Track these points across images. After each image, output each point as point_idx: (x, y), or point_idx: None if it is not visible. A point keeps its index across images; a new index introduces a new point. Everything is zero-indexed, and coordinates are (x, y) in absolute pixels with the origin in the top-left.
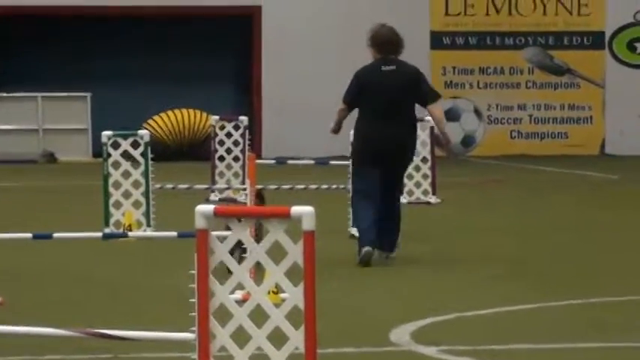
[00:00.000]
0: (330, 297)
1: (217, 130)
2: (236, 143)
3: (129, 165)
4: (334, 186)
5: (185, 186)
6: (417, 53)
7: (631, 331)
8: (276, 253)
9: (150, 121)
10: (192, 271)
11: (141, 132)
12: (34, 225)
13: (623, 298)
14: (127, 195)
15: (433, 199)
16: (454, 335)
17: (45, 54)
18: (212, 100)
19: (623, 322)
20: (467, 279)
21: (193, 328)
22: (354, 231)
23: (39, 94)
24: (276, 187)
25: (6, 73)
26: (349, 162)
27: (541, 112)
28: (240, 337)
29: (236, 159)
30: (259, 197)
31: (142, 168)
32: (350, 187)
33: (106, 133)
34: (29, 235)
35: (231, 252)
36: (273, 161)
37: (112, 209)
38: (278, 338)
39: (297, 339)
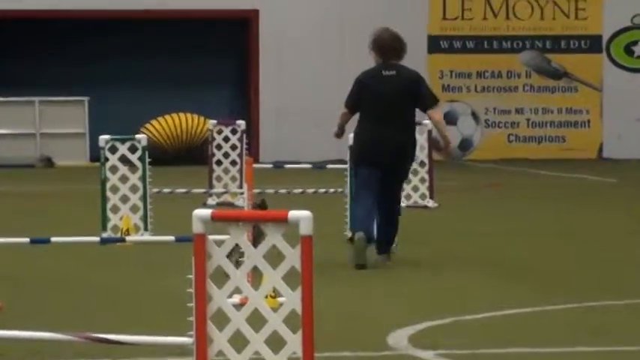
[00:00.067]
0: (328, 301)
1: (215, 135)
2: (233, 147)
3: (126, 169)
4: (332, 190)
5: (183, 190)
6: (414, 57)
7: (629, 335)
8: (274, 257)
9: (147, 126)
10: (190, 276)
11: (138, 136)
12: (31, 230)
13: (621, 302)
14: (124, 199)
15: (431, 203)
16: (452, 339)
17: (42, 58)
18: (209, 105)
19: (621, 326)
20: (464, 283)
21: (191, 333)
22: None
23: (36, 99)
24: (273, 191)
25: (3, 77)
26: (347, 166)
27: (538, 115)
28: (238, 341)
29: (233, 163)
30: (263, 208)
31: (140, 172)
32: (347, 191)
33: (104, 137)
34: (27, 239)
35: (229, 255)
36: (270, 165)
37: (109, 214)
38: (276, 342)
39: (294, 343)
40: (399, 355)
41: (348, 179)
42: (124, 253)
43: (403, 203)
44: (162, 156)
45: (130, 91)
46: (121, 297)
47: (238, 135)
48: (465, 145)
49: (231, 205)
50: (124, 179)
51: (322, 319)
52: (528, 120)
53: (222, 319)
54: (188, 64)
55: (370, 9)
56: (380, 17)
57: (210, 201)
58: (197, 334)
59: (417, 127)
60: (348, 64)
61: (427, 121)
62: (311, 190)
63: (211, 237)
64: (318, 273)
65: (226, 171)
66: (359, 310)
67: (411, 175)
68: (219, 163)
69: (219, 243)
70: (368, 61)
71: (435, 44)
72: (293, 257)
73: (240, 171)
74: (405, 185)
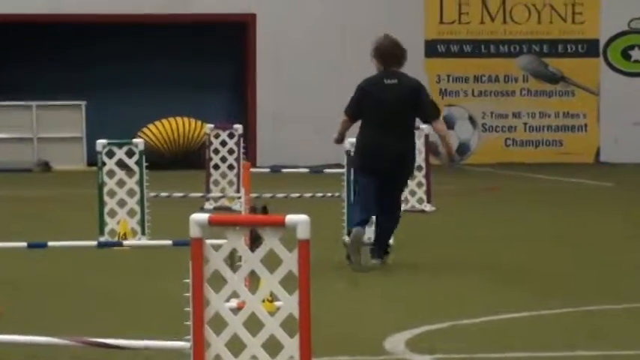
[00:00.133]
0: (325, 305)
1: (212, 139)
2: (231, 151)
3: (123, 173)
4: (329, 194)
5: (180, 194)
6: (411, 61)
7: (627, 339)
8: (271, 261)
9: (145, 130)
10: (187, 280)
11: (136, 140)
12: (29, 234)
13: (619, 306)
14: (121, 203)
15: (428, 207)
16: (449, 343)
17: (39, 62)
18: (207, 109)
19: (619, 330)
20: (462, 287)
21: (188, 337)
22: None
23: (33, 103)
24: (270, 195)
25: (0, 81)
26: (344, 170)
27: (536, 120)
28: (235, 345)
29: (231, 167)
30: (264, 212)
31: (137, 176)
32: (344, 195)
33: (101, 141)
34: (24, 244)
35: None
36: (267, 170)
37: (106, 218)
38: (273, 346)
39: (291, 347)
40: None
41: (345, 184)
42: (121, 258)
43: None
44: (159, 160)
45: (127, 95)
46: (118, 301)
47: (235, 139)
48: (463, 149)
49: (228, 209)
50: (121, 183)
51: (319, 323)
52: (525, 124)
53: (219, 324)
54: (185, 69)
55: (367, 13)
56: (376, 21)
57: (208, 205)
58: (194, 338)
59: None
60: (344, 68)
61: (424, 126)
62: (308, 195)
63: (209, 241)
64: (315, 277)
65: (224, 175)
66: (356, 315)
67: (408, 179)
68: (216, 167)
69: (217, 247)
70: (365, 65)
71: (432, 48)
72: (290, 261)
73: (238, 175)
74: None
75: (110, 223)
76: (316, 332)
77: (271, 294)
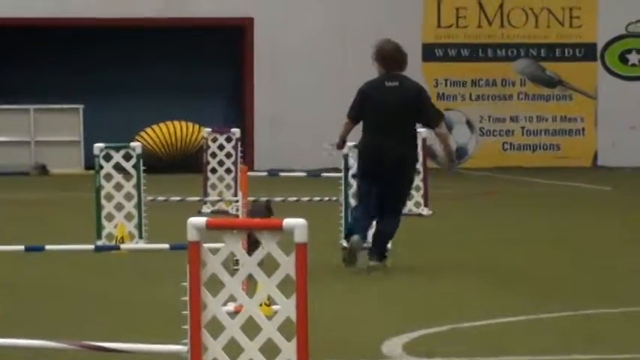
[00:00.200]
0: (323, 309)
1: (209, 143)
2: (228, 155)
3: (121, 177)
4: (326, 198)
5: (177, 198)
6: (409, 65)
7: (624, 343)
8: (269, 265)
9: (142, 134)
10: (185, 283)
11: (133, 144)
12: (26, 237)
13: (616, 310)
14: (119, 207)
15: (425, 211)
16: (447, 347)
17: (37, 66)
18: (204, 113)
19: (616, 333)
20: (460, 290)
21: (186, 341)
22: (346, 243)
23: (31, 106)
24: (268, 199)
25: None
26: (341, 174)
27: (533, 124)
28: (233, 349)
29: (228, 171)
30: (268, 210)
31: (134, 180)
32: (342, 199)
33: (98, 145)
34: (21, 247)
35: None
36: (265, 173)
37: (104, 221)
38: (270, 350)
39: (289, 351)
40: None
41: (343, 188)
42: (118, 261)
43: None
44: (156, 164)
45: (125, 99)
46: (115, 305)
47: (233, 143)
48: (460, 153)
49: (225, 213)
50: (118, 187)
51: (317, 327)
52: (523, 128)
53: (216, 327)
54: (183, 72)
55: (364, 17)
56: (374, 26)
57: (205, 209)
58: (192, 342)
59: None
60: (342, 72)
61: (421, 130)
62: (306, 199)
63: (206, 245)
64: (312, 281)
65: (221, 179)
66: (354, 318)
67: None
68: (213, 171)
69: (214, 251)
70: (362, 69)
71: (429, 52)
72: (288, 265)
73: (235, 179)
74: None
75: (107, 227)
76: (313, 336)
77: (269, 298)
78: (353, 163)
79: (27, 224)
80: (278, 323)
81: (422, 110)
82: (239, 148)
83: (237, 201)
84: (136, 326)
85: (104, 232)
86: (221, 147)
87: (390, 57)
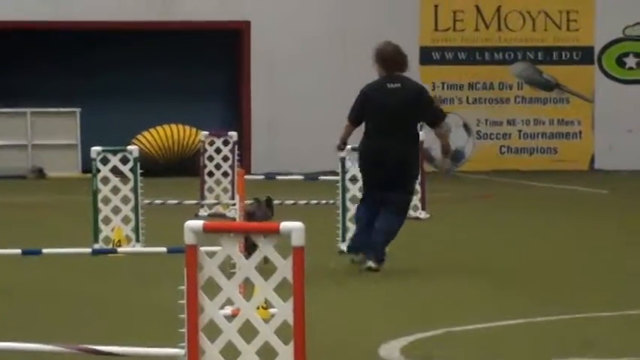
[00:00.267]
0: (320, 312)
1: (207, 146)
2: (225, 159)
3: (118, 180)
4: (323, 202)
5: (174, 201)
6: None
7: (622, 346)
8: (266, 268)
9: (139, 137)
10: (182, 287)
11: (130, 147)
12: (23, 241)
13: (612, 313)
14: (116, 210)
15: (422, 215)
16: (444, 350)
17: (34, 69)
18: (201, 116)
19: (614, 337)
20: (457, 294)
21: (183, 344)
22: (344, 246)
23: (28, 110)
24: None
25: None
26: (338, 177)
27: (530, 127)
28: (230, 352)
29: (225, 174)
30: (268, 205)
31: (131, 183)
32: (339, 202)
33: (95, 148)
34: (18, 250)
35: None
36: (262, 177)
37: (101, 225)
38: (267, 353)
39: (286, 354)
40: None
41: (340, 191)
42: (115, 265)
43: None
44: (153, 167)
45: (122, 102)
46: (112, 308)
47: (230, 146)
48: (457, 156)
49: (223, 216)
50: (115, 190)
51: (314, 330)
52: (520, 131)
53: (213, 331)
54: (180, 76)
55: (361, 21)
56: (371, 29)
57: (202, 212)
58: (189, 345)
59: None
60: (339, 76)
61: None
62: (303, 202)
63: (203, 248)
64: (309, 284)
65: (218, 182)
66: (351, 321)
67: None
68: (210, 174)
69: (211, 254)
70: (360, 73)
71: (426, 56)
72: (285, 268)
73: (232, 182)
74: None
75: (104, 230)
76: (311, 339)
77: (266, 301)
78: (350, 166)
79: (24, 227)
80: (275, 326)
81: (424, 110)
82: (236, 152)
83: (234, 204)
84: (133, 329)
85: (101, 236)
86: (218, 150)
87: (391, 59)
